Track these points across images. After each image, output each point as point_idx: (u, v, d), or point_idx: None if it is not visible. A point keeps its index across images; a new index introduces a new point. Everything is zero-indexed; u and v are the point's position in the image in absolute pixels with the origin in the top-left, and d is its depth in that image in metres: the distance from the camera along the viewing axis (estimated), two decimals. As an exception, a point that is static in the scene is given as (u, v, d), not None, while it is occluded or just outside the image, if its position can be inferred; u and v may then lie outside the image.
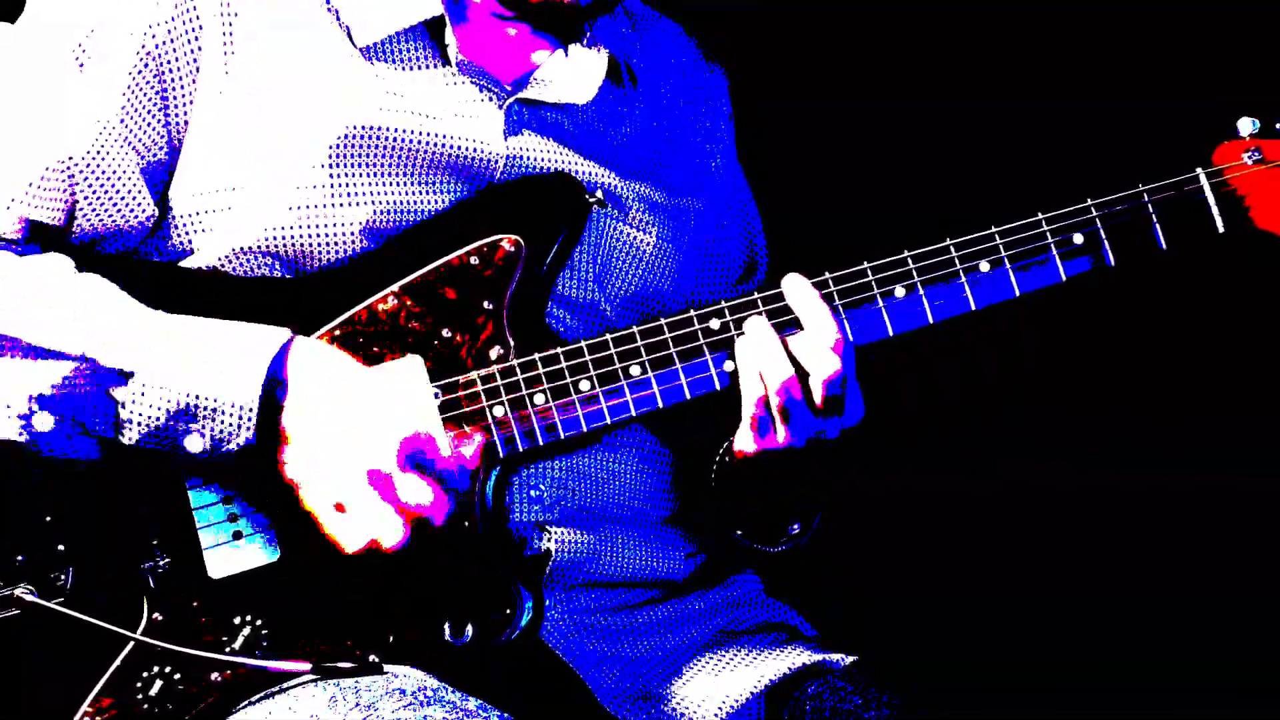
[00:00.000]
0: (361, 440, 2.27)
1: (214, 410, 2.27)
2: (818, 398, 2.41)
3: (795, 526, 2.63)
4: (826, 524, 2.66)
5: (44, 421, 2.27)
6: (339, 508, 2.28)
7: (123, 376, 2.27)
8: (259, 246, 2.42)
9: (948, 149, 3.38)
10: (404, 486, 2.27)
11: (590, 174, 2.59)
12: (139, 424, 2.27)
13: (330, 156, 2.44)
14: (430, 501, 2.28)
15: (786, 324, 2.45)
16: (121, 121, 2.41)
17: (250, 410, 2.26)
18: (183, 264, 2.46)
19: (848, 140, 3.40)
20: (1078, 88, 3.34)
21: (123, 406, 2.27)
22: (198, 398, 2.27)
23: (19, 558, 2.33)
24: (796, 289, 2.45)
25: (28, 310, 2.30)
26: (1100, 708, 3.46)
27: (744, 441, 2.46)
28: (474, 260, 2.45)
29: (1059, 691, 3.47)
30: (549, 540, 2.52)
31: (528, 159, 2.55)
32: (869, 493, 3.20)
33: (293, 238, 2.43)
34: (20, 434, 2.28)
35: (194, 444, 2.28)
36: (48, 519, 2.34)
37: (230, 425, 2.27)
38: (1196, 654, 3.47)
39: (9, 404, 2.27)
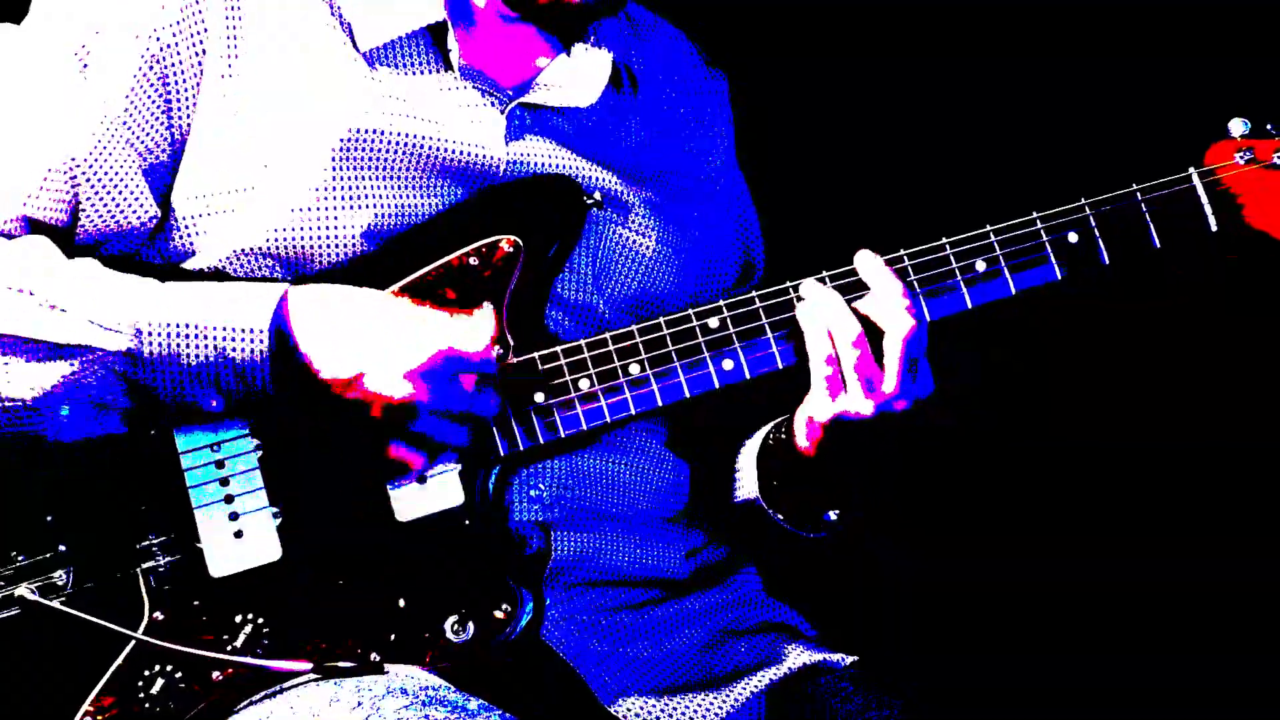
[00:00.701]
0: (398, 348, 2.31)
1: (224, 365, 2.29)
2: (896, 357, 2.40)
3: (833, 513, 2.63)
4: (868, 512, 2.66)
5: (62, 410, 2.29)
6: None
7: (128, 358, 2.29)
8: (260, 249, 2.44)
9: (942, 150, 3.39)
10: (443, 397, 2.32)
11: (591, 177, 2.61)
12: (156, 390, 2.29)
13: (332, 160, 2.46)
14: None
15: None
16: (124, 123, 2.42)
17: (263, 355, 2.29)
18: (184, 265, 2.47)
19: (843, 140, 3.41)
20: (1071, 88, 3.36)
21: (137, 382, 2.29)
22: (207, 356, 2.29)
23: (20, 557, 2.33)
24: (866, 261, 2.46)
25: (17, 300, 2.31)
26: (1100, 708, 3.47)
27: (816, 406, 2.45)
28: (473, 261, 2.46)
29: (1059, 691, 3.48)
30: (549, 539, 2.53)
31: (529, 163, 2.56)
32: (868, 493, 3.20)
33: (294, 240, 2.44)
34: (38, 424, 2.29)
35: (214, 405, 2.31)
36: (49, 518, 2.35)
37: (241, 376, 2.29)
38: (1196, 654, 3.47)
39: (21, 401, 2.29)
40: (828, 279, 2.48)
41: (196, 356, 2.30)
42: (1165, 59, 3.29)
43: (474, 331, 2.34)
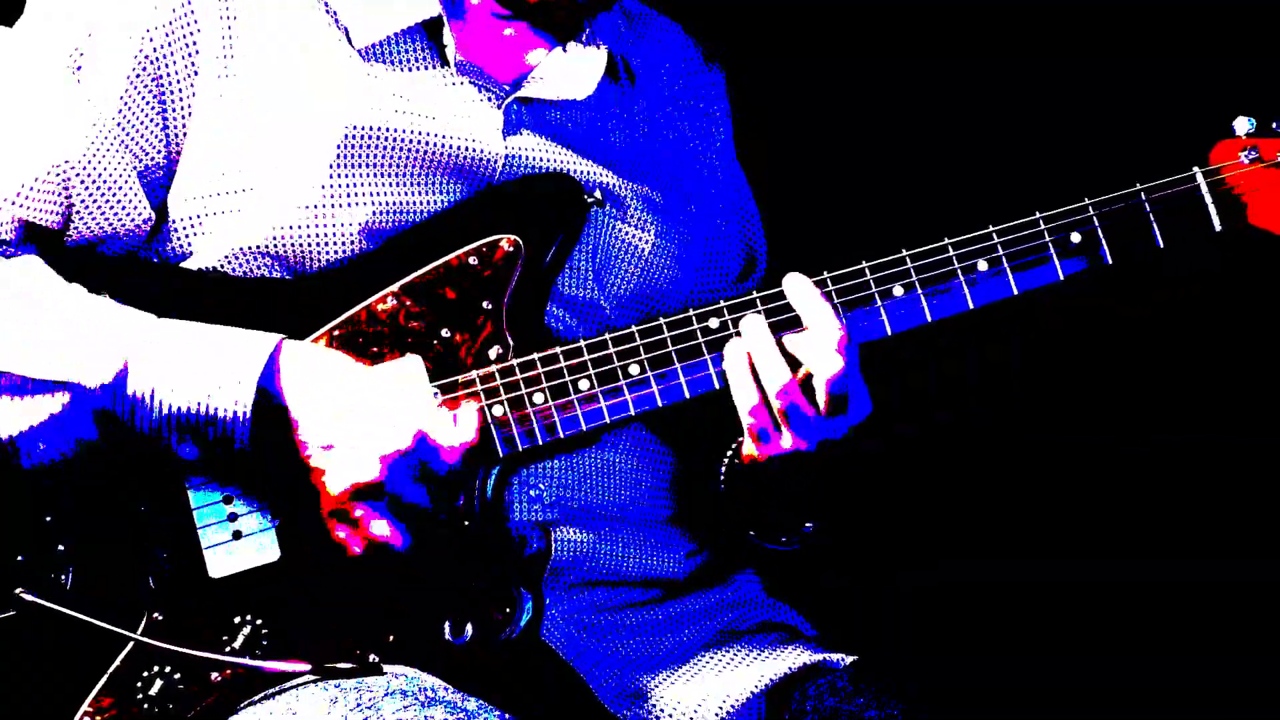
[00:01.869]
0: (365, 446, 2.30)
1: (207, 423, 2.28)
2: (821, 398, 2.39)
3: (809, 525, 2.63)
4: (837, 523, 2.65)
5: (37, 447, 2.30)
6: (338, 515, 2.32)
7: (112, 395, 2.28)
8: (259, 248, 2.43)
9: (946, 149, 3.38)
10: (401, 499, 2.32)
11: (589, 173, 2.60)
12: (132, 436, 2.29)
13: (329, 158, 2.45)
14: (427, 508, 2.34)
15: (786, 323, 2.45)
16: (119, 125, 2.42)
17: (244, 417, 2.28)
18: (183, 265, 2.46)
19: (846, 139, 3.41)
20: (1075, 88, 3.35)
21: (114, 426, 2.29)
22: (189, 415, 2.28)
23: (19, 558, 2.33)
24: (798, 287, 2.43)
25: (7, 334, 2.31)
26: (1100, 708, 3.46)
27: (749, 447, 2.46)
28: (473, 260, 2.45)
29: (1059, 691, 3.47)
30: (549, 539, 2.52)
31: (526, 158, 2.55)
32: (868, 492, 3.20)
33: (292, 239, 2.43)
34: (12, 455, 2.31)
35: (187, 452, 2.30)
36: (48, 519, 2.35)
37: (223, 435, 2.28)
38: (1196, 654, 3.46)
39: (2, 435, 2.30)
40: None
41: (178, 403, 2.28)
42: (1170, 58, 3.28)
43: (453, 433, 2.34)
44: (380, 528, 2.33)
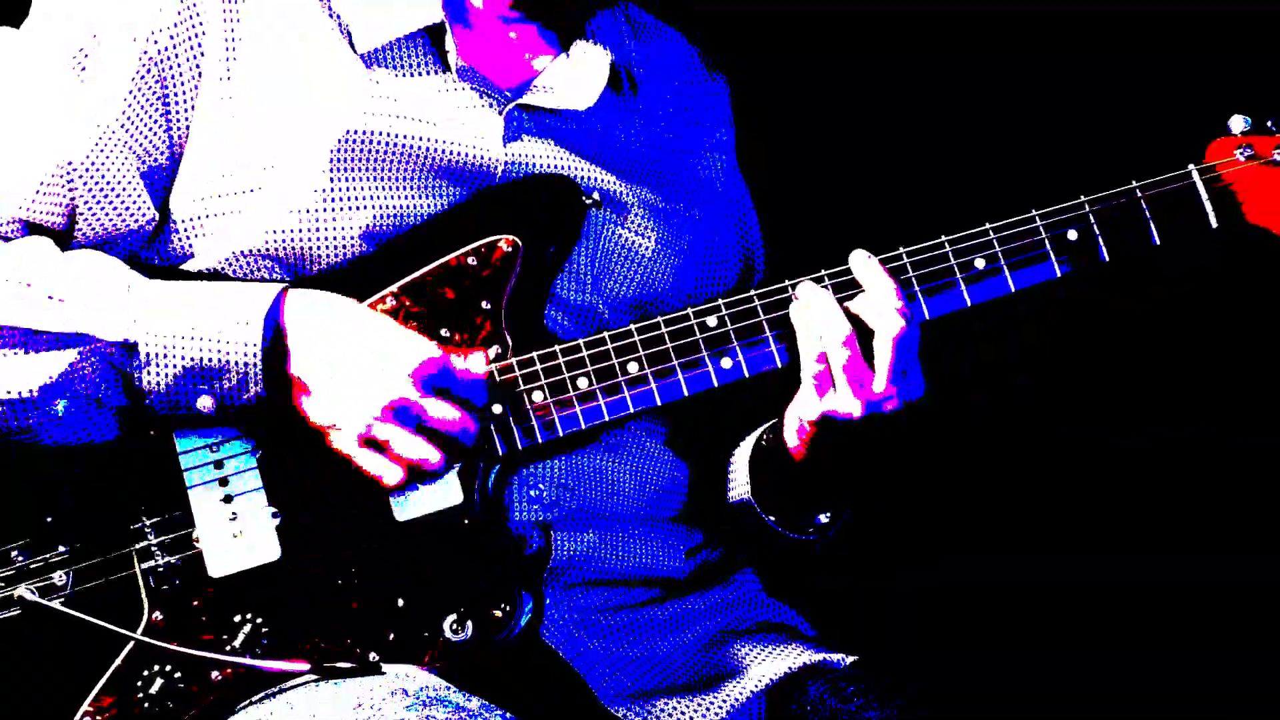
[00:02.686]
0: (375, 374, 2.31)
1: (221, 368, 2.29)
2: (886, 357, 2.39)
3: (824, 516, 2.63)
4: (849, 521, 2.65)
5: (57, 406, 2.29)
6: (369, 443, 2.32)
7: (125, 350, 2.29)
8: (259, 250, 2.44)
9: (942, 148, 3.39)
10: (430, 408, 2.32)
11: (589, 177, 2.61)
12: (150, 390, 2.30)
13: (330, 161, 2.46)
14: (457, 418, 2.34)
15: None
16: (123, 126, 2.43)
17: (255, 362, 2.29)
18: (183, 267, 2.47)
19: (842, 140, 3.41)
20: (1071, 86, 3.35)
21: (132, 378, 2.29)
22: (202, 358, 2.29)
23: (20, 558, 2.34)
24: (861, 260, 2.45)
25: (17, 292, 2.31)
26: (1100, 708, 3.46)
27: (805, 406, 2.45)
28: (472, 261, 2.46)
29: (1059, 691, 3.47)
30: (549, 539, 2.52)
31: (527, 164, 2.56)
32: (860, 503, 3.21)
33: (293, 241, 2.44)
34: (35, 422, 2.29)
35: (204, 403, 2.32)
36: (48, 519, 2.35)
37: (235, 379, 2.30)
38: (1196, 654, 3.46)
39: (19, 394, 2.29)
40: (825, 278, 2.48)
41: (192, 354, 2.30)
42: (1165, 56, 3.28)
43: (467, 357, 2.37)
44: (414, 446, 2.33)
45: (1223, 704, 3.40)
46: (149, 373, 2.30)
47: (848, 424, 2.43)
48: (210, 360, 2.30)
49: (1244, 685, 3.42)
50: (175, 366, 2.31)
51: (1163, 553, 3.46)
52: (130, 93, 2.43)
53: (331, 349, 2.32)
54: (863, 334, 2.42)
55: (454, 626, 2.37)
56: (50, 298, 2.31)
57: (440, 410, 2.33)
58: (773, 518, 2.62)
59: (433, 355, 2.33)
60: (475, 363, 2.38)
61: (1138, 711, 3.42)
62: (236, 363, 2.31)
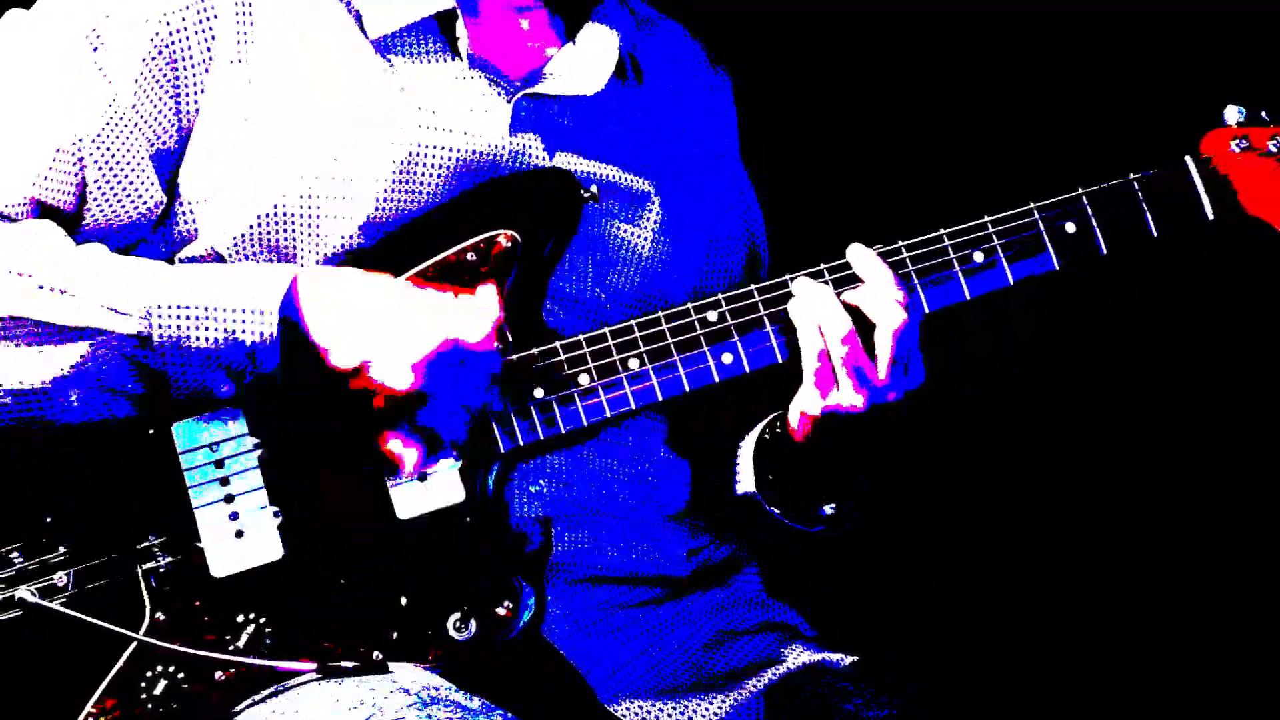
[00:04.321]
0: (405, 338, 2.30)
1: (237, 353, 2.28)
2: (887, 350, 2.39)
3: (829, 508, 2.62)
4: (859, 511, 2.65)
5: (71, 397, 2.29)
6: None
7: (139, 340, 2.28)
8: (260, 237, 2.43)
9: (940, 141, 3.39)
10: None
11: (592, 171, 2.60)
12: (168, 377, 2.29)
13: (336, 148, 2.46)
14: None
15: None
16: (133, 107, 2.43)
17: (273, 344, 2.28)
18: (184, 253, 2.46)
19: (840, 134, 3.42)
20: (1066, 79, 3.36)
21: (147, 365, 2.29)
22: (218, 344, 2.28)
23: (21, 559, 2.33)
24: (859, 253, 2.46)
25: (25, 285, 2.30)
26: (1100, 708, 3.46)
27: (807, 401, 2.45)
28: (471, 256, 2.45)
29: (1059, 691, 3.47)
30: (550, 536, 2.52)
31: (531, 155, 2.56)
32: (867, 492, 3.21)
33: (292, 230, 2.43)
34: (47, 410, 2.29)
35: (223, 388, 2.31)
36: (49, 520, 2.34)
37: (253, 363, 2.29)
38: (1197, 654, 3.46)
39: (31, 385, 2.28)
40: (825, 272, 2.48)
41: (206, 338, 2.29)
42: (1160, 48, 3.29)
43: (478, 320, 2.33)
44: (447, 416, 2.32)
45: (1223, 704, 3.40)
46: (163, 360, 2.29)
47: (851, 417, 2.43)
48: (225, 340, 2.28)
49: (1244, 685, 3.42)
50: (188, 350, 2.29)
51: (1163, 553, 3.46)
52: (141, 74, 2.43)
53: (355, 316, 2.30)
54: (863, 327, 2.42)
55: (458, 625, 2.36)
56: (59, 290, 2.30)
57: (464, 385, 2.33)
58: (777, 510, 2.62)
59: (448, 335, 2.30)
60: (486, 333, 2.34)
61: (1138, 711, 3.42)
62: (254, 345, 2.29)
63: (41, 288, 2.30)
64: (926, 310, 2.49)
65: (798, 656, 2.62)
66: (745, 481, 2.66)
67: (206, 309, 2.29)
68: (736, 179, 2.85)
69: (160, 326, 2.29)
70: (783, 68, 3.35)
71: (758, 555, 2.77)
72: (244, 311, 2.29)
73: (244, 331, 2.29)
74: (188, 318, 2.29)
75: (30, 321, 2.30)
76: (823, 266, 2.48)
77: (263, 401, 2.35)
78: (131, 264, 2.35)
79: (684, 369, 2.46)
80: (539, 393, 2.43)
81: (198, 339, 2.29)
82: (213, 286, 2.31)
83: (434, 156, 2.50)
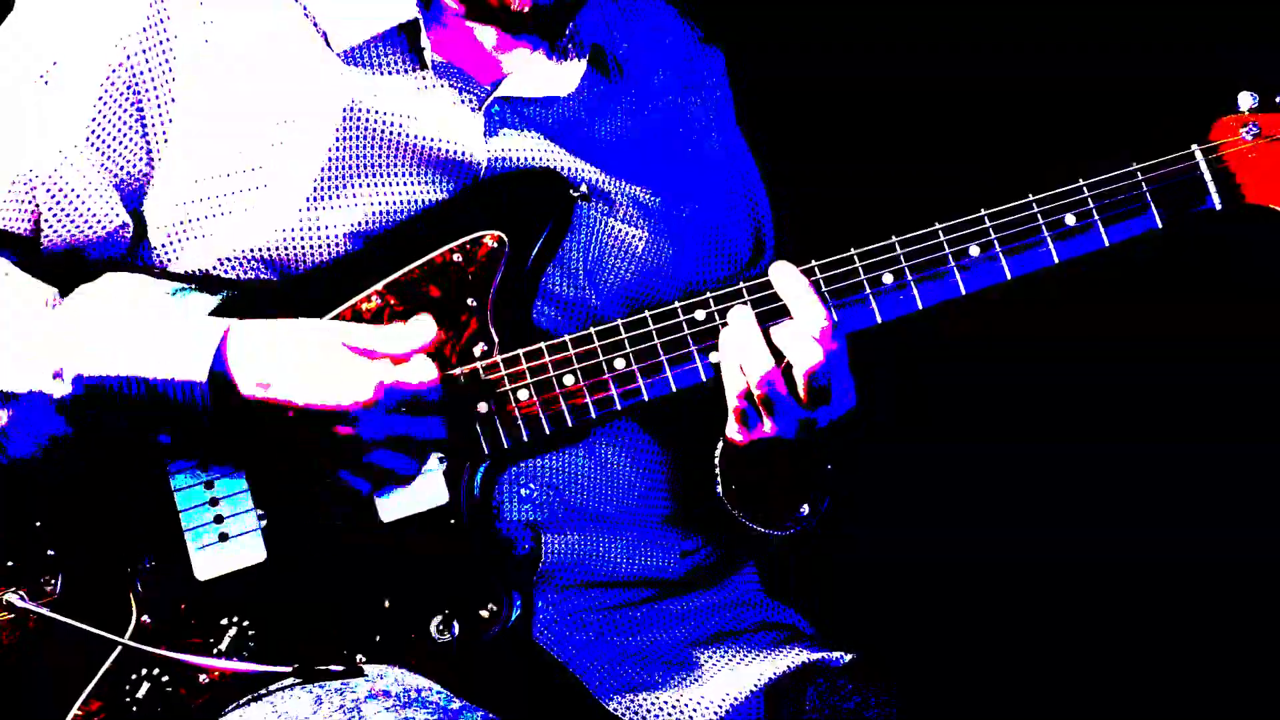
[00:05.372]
0: (331, 406, 2.28)
1: (167, 414, 2.29)
2: (801, 388, 2.36)
3: (803, 509, 2.59)
4: (833, 510, 2.61)
5: (8, 440, 2.31)
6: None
7: (74, 404, 2.29)
8: (246, 253, 2.43)
9: (940, 128, 3.33)
10: (393, 426, 2.30)
11: (576, 169, 2.57)
12: (104, 431, 2.30)
13: (313, 162, 2.44)
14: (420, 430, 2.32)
15: (774, 313, 2.41)
16: (92, 132, 2.42)
17: (204, 410, 2.28)
18: (173, 267, 2.46)
19: (842, 122, 3.37)
20: (1072, 64, 3.28)
21: (84, 420, 2.30)
22: (150, 408, 2.29)
23: (9, 563, 2.35)
24: (784, 276, 2.41)
25: None
26: (1100, 707, 3.40)
27: (732, 432, 2.44)
28: (457, 257, 2.44)
29: (1059, 690, 3.42)
30: (539, 540, 2.50)
31: (511, 158, 2.53)
32: (867, 491, 3.16)
33: (280, 243, 2.43)
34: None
35: (161, 438, 2.32)
36: (38, 524, 2.36)
37: (185, 423, 2.29)
38: (1197, 655, 3.40)
39: None
40: (744, 291, 2.41)
41: (139, 405, 2.29)
42: (1169, 32, 3.21)
43: (410, 355, 2.33)
44: (383, 459, 2.31)
45: (1223, 704, 3.33)
46: (98, 418, 2.30)
47: (778, 440, 2.40)
48: (156, 404, 2.29)
49: (1244, 685, 3.36)
50: (122, 412, 2.29)
51: (1164, 553, 3.40)
52: (100, 99, 2.42)
53: (281, 386, 2.28)
54: (785, 364, 2.37)
55: (440, 627, 2.35)
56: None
57: (402, 426, 2.31)
58: (742, 514, 2.59)
59: (381, 381, 2.29)
60: (421, 371, 2.33)
61: (1138, 710, 3.36)
62: (184, 409, 2.28)
63: None
64: (920, 306, 2.43)
65: (797, 655, 2.59)
66: (720, 485, 2.63)
67: (139, 379, 2.29)
68: (734, 160, 2.80)
69: (92, 394, 2.29)
70: (777, 54, 3.30)
71: (749, 555, 2.73)
72: (172, 381, 2.28)
73: (172, 397, 2.28)
74: (119, 385, 2.29)
75: None
76: (742, 286, 2.42)
77: (205, 449, 2.35)
78: (66, 319, 2.35)
79: (671, 370, 2.43)
80: (523, 395, 2.41)
81: (129, 405, 2.29)
82: (144, 350, 2.29)
83: (414, 154, 2.48)
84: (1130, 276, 2.47)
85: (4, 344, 2.32)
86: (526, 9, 2.49)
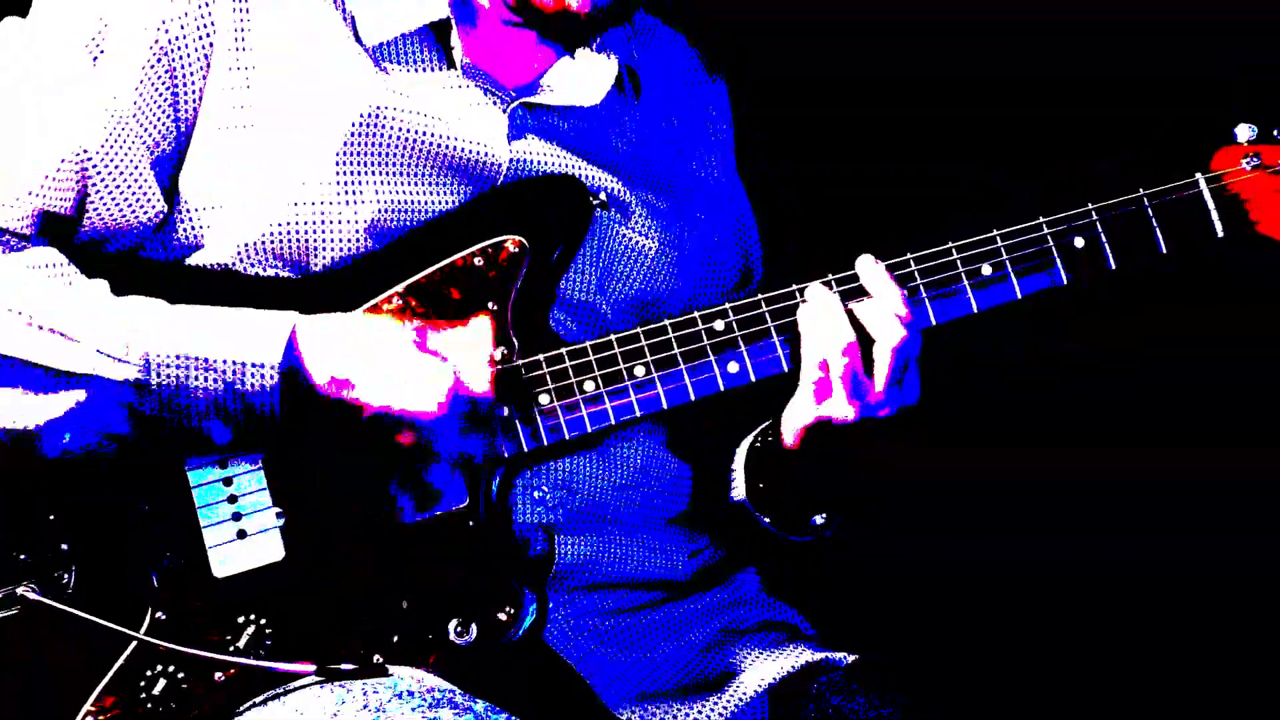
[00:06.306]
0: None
1: (237, 404, 2.28)
2: (885, 365, 2.40)
3: (819, 518, 2.63)
4: (846, 521, 2.66)
5: (63, 438, 2.29)
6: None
7: (136, 389, 2.28)
8: (263, 244, 2.42)
9: (948, 155, 3.38)
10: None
11: (593, 177, 2.60)
12: (162, 424, 2.29)
13: (336, 153, 2.45)
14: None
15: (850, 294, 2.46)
16: (134, 115, 2.41)
17: (273, 400, 2.28)
18: (188, 262, 2.45)
19: (847, 145, 3.40)
20: (1078, 93, 3.35)
21: (142, 412, 2.28)
22: (217, 395, 2.28)
23: (23, 556, 2.33)
24: (868, 266, 2.46)
25: (23, 328, 2.29)
26: (1100, 707, 3.46)
27: (801, 410, 2.46)
28: (478, 261, 2.45)
29: (1060, 691, 3.47)
30: (553, 542, 2.52)
31: (531, 163, 2.55)
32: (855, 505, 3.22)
33: (297, 234, 2.43)
34: (36, 444, 2.29)
35: (220, 435, 2.30)
36: (52, 517, 2.34)
37: (253, 413, 2.29)
38: (1200, 658, 3.47)
39: (23, 428, 2.28)
40: (833, 282, 2.48)
41: (205, 389, 2.29)
42: (1172, 63, 3.28)
43: (476, 366, 2.35)
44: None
45: (1223, 704, 3.40)
46: (160, 408, 2.28)
47: (842, 428, 2.44)
48: (224, 391, 2.29)
49: (1244, 684, 3.43)
50: (186, 400, 2.29)
51: (1165, 553, 3.46)
52: (141, 81, 2.41)
53: (360, 386, 2.30)
54: (864, 340, 2.43)
55: (458, 629, 2.36)
56: (58, 333, 2.29)
57: (461, 442, 2.36)
58: (768, 519, 2.62)
59: (451, 387, 2.32)
60: (481, 378, 2.36)
61: (1139, 710, 3.42)
62: (253, 397, 2.29)
63: (40, 329, 2.29)
64: (934, 322, 2.49)
65: (800, 655, 2.62)
66: (738, 489, 2.67)
67: (207, 360, 2.29)
68: (731, 187, 2.84)
69: (159, 375, 2.28)
70: (787, 73, 3.33)
71: (756, 558, 2.77)
72: (244, 364, 2.29)
73: (244, 383, 2.28)
74: (188, 367, 2.29)
75: (23, 363, 2.29)
76: (831, 278, 2.48)
77: (264, 443, 2.35)
78: (131, 306, 2.34)
79: (690, 378, 2.46)
80: (544, 399, 2.43)
81: (197, 388, 2.28)
82: (214, 334, 2.30)
83: (434, 156, 2.49)
84: (1129, 278, 2.53)
85: (66, 323, 2.29)
86: (586, 11, 2.49)
